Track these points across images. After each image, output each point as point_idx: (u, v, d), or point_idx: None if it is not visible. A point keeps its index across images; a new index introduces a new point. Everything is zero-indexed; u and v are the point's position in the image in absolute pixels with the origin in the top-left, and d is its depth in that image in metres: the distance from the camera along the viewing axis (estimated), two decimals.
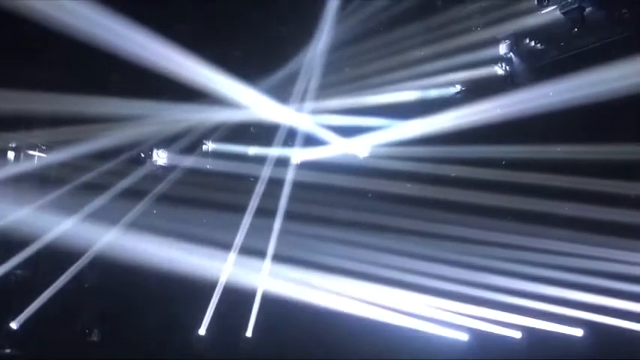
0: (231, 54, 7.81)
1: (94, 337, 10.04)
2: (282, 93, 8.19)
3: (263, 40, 7.83)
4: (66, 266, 9.15)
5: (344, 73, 8.11)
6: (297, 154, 9.09)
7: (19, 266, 8.93)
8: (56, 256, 8.99)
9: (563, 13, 7.08)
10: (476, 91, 8.15)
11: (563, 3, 7.04)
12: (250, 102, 8.01)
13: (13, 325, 9.06)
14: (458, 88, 8.31)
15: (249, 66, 7.88)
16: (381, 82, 8.12)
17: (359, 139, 8.84)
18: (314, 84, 7.95)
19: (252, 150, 9.15)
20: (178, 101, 8.07)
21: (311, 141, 8.83)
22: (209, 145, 9.14)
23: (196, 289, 9.48)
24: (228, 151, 9.26)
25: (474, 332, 10.51)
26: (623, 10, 7.03)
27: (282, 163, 9.15)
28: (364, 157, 9.04)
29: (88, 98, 7.56)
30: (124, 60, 7.01)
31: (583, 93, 7.19)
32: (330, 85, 8.08)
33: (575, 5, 6.98)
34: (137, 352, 9.55)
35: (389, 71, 8.02)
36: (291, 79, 8.05)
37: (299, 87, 8.06)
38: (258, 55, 7.94)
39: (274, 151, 9.04)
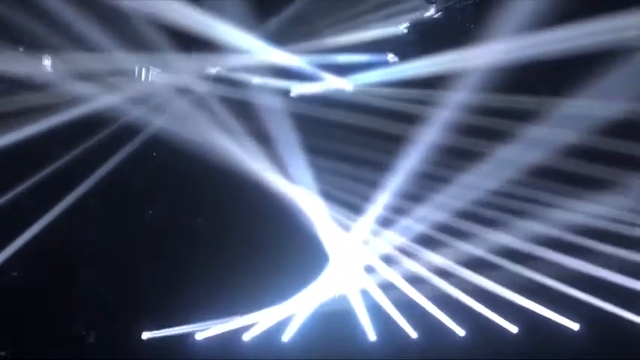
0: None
1: (91, 339, 10.88)
2: (279, 37, 9.16)
3: None
4: (60, 267, 10.27)
5: (330, 17, 9.07)
6: (294, 88, 10.16)
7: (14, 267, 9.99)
8: (49, 257, 10.10)
9: None
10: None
11: None
12: (251, 47, 9.04)
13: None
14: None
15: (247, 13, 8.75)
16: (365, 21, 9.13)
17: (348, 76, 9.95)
18: (307, 27, 9.01)
19: (256, 80, 9.99)
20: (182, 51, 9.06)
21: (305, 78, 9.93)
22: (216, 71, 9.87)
23: None
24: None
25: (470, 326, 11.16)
26: None
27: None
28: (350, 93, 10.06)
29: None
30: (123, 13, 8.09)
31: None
32: (320, 28, 9.13)
33: None
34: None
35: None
36: (288, 23, 9.02)
37: (295, 30, 9.05)
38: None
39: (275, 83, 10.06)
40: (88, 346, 10.94)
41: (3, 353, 10.28)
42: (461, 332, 11.32)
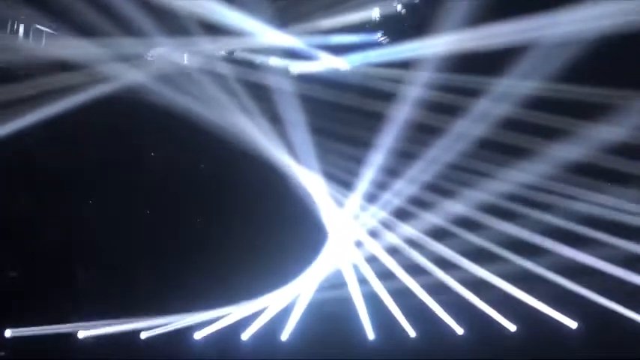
0: None
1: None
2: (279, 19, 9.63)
3: None
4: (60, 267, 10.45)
5: None
6: (293, 68, 10.54)
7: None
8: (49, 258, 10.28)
9: None
10: None
11: None
12: (253, 30, 9.50)
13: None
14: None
15: None
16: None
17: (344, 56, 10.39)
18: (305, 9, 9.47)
19: (258, 59, 10.42)
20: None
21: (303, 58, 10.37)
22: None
23: None
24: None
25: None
26: None
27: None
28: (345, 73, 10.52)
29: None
30: None
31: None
32: (316, 10, 9.58)
33: None
34: None
35: None
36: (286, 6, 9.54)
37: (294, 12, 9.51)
38: None
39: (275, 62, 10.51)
40: (88, 346, 10.85)
41: (3, 353, 10.14)
42: (460, 330, 11.39)
